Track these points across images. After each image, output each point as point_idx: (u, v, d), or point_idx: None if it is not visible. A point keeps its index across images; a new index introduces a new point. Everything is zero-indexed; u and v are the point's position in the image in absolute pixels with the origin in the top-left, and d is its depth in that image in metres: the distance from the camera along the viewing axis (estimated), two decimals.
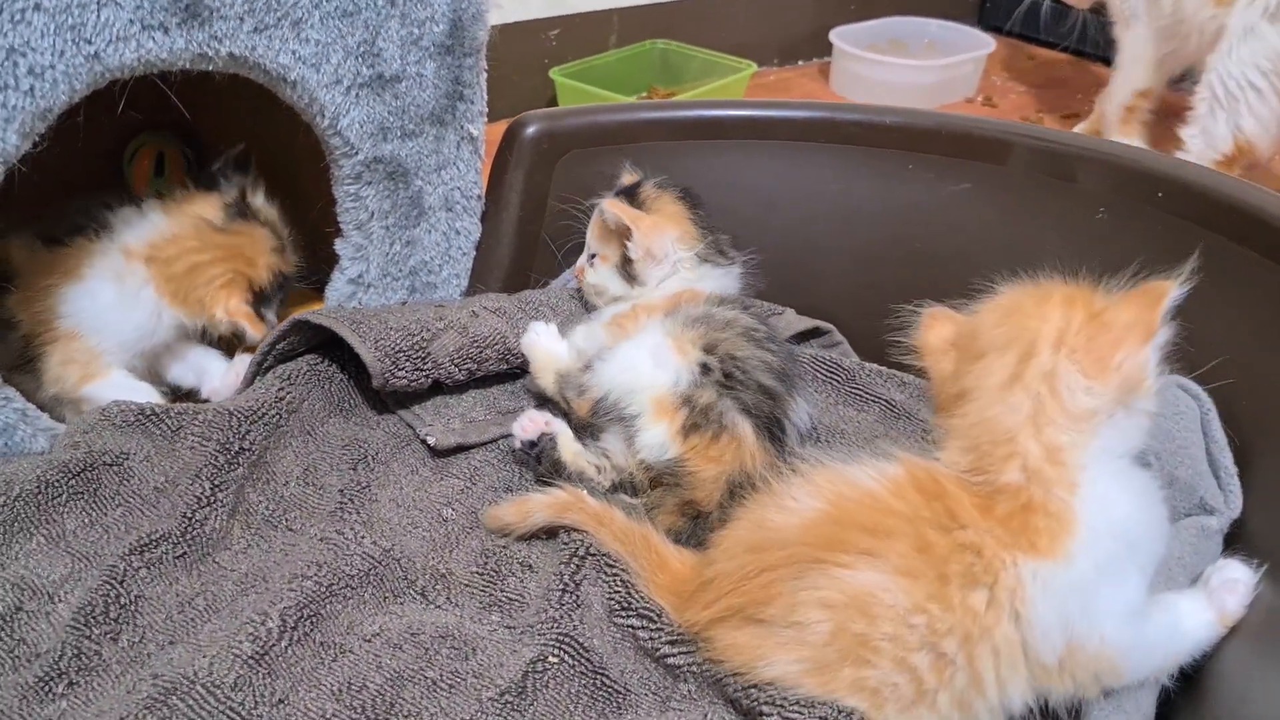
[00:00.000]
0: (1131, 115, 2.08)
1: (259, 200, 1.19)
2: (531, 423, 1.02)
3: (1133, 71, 2.05)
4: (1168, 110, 2.04)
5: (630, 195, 1.17)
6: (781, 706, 0.78)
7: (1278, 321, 0.96)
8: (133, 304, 1.12)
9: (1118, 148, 1.19)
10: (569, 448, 1.01)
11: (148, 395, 1.12)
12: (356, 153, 1.12)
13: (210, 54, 0.99)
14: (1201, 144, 1.74)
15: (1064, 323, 0.75)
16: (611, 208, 1.12)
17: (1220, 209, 1.04)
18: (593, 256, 1.18)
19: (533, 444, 1.02)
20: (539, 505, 0.96)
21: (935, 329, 0.85)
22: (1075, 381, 0.73)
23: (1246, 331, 0.99)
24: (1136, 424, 0.76)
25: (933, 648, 0.73)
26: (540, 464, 1.02)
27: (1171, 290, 0.74)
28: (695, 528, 0.98)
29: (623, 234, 1.13)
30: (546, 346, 1.11)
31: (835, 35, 2.52)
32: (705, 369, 0.99)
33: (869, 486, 0.79)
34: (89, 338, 1.11)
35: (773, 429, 1.00)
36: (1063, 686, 0.74)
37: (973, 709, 0.75)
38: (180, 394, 1.20)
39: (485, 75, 1.21)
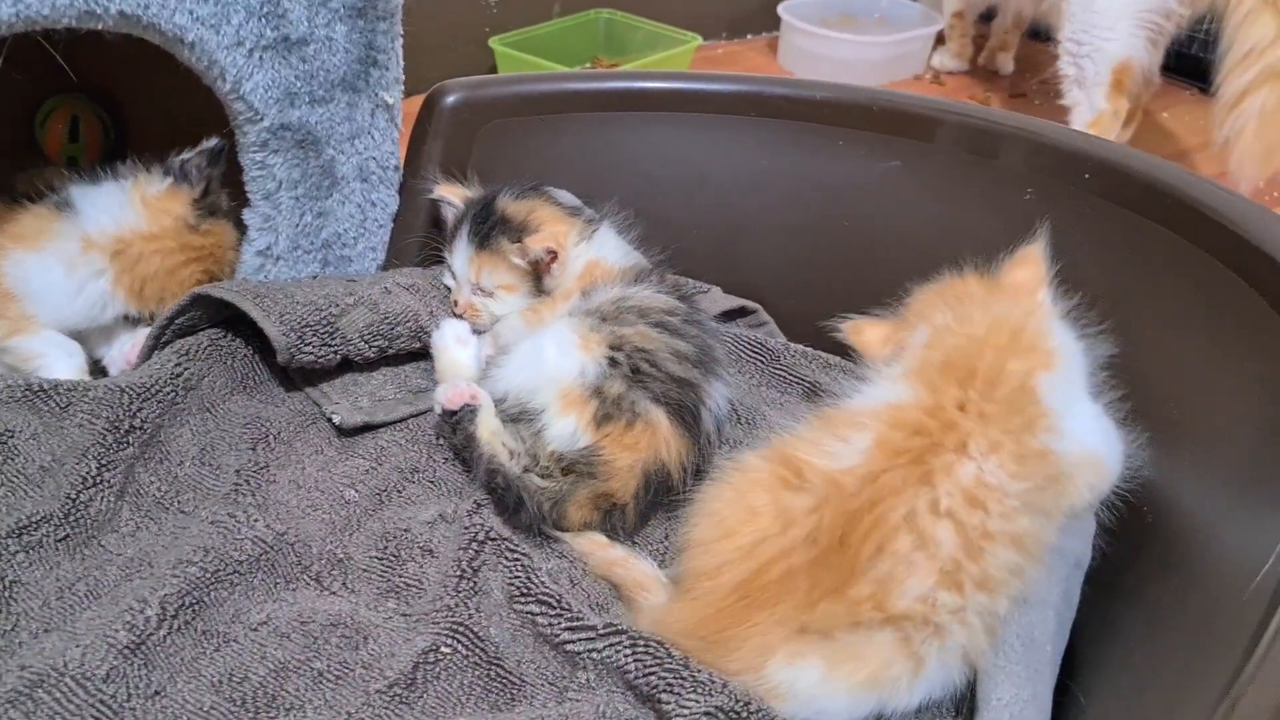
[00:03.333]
0: (952, 32, 2.47)
1: (223, 197, 1.17)
2: (457, 393, 0.98)
3: None
4: None
5: (490, 219, 1.12)
6: (679, 694, 0.76)
7: (1195, 303, 0.95)
8: (79, 292, 1.10)
9: (1046, 127, 1.16)
10: (487, 425, 0.98)
11: (75, 353, 1.11)
12: (262, 119, 1.07)
13: (98, 11, 0.93)
14: (1080, 92, 1.92)
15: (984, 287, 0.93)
16: (535, 244, 1.08)
17: (1146, 191, 1.03)
18: (482, 290, 1.14)
19: (453, 414, 0.98)
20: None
21: (864, 333, 0.97)
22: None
23: (1167, 313, 0.98)
24: None
25: (1032, 506, 0.78)
26: (455, 435, 0.99)
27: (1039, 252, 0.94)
28: (608, 522, 0.96)
29: (549, 261, 1.10)
30: (454, 355, 1.08)
31: (784, 9, 2.49)
32: (613, 362, 0.97)
33: (902, 400, 0.83)
34: (26, 303, 1.09)
35: (686, 416, 0.98)
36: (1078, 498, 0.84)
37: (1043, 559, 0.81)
38: (99, 364, 1.18)
39: (401, 40, 1.17)
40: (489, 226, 1.11)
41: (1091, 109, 1.92)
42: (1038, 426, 0.80)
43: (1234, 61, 1.69)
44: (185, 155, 1.15)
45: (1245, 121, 1.67)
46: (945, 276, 0.96)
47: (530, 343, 1.03)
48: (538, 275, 1.11)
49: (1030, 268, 0.94)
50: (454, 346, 1.08)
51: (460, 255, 1.13)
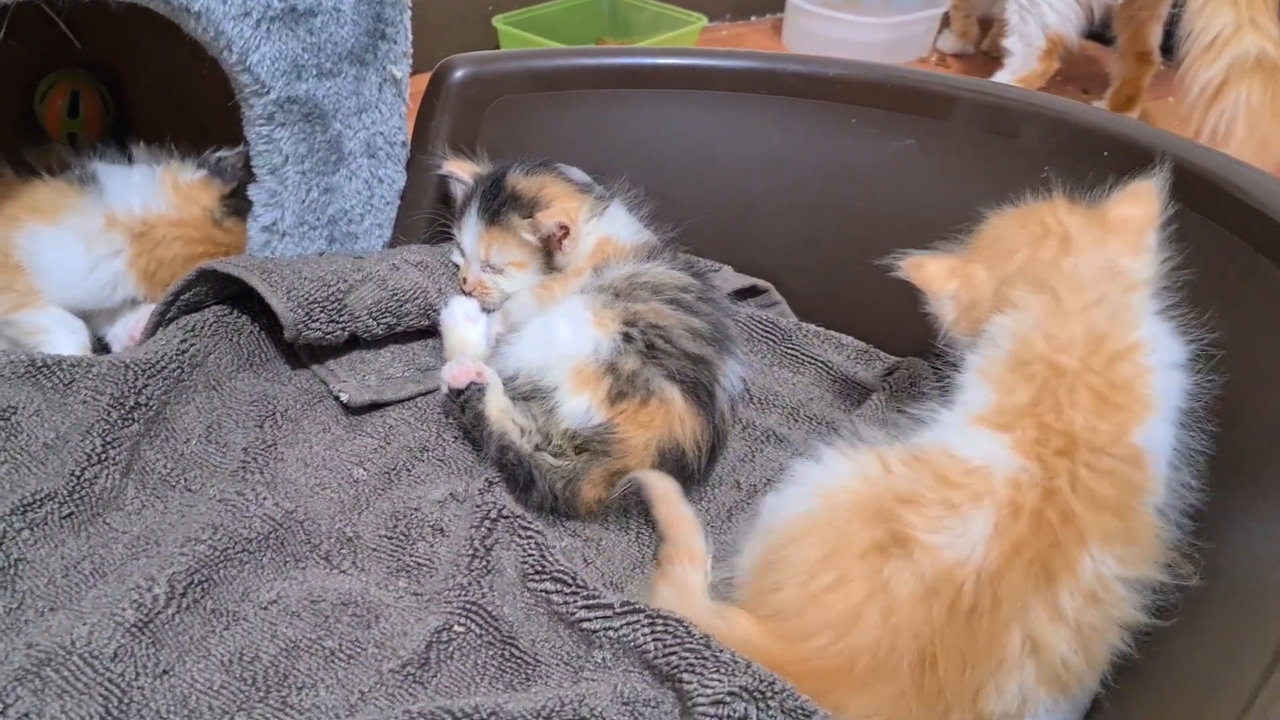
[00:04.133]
0: (956, 14, 2.50)
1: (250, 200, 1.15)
2: (463, 370, 0.97)
3: None
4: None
5: (500, 195, 1.10)
6: (701, 674, 0.74)
7: (1220, 285, 0.93)
8: (92, 270, 1.10)
9: (1063, 104, 1.15)
10: (496, 403, 0.96)
11: (79, 330, 1.11)
12: (268, 91, 1.05)
13: None
14: (1021, 45, 2.06)
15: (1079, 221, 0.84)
16: (548, 219, 1.06)
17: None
18: (491, 267, 1.12)
19: (460, 392, 0.97)
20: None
21: (926, 268, 0.88)
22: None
23: (1191, 296, 0.96)
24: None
25: (1140, 583, 0.71)
26: (464, 414, 0.97)
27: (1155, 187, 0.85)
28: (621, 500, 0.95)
29: (560, 237, 1.08)
30: (463, 333, 1.07)
31: None
32: (627, 338, 0.96)
33: (1014, 473, 0.72)
34: (35, 277, 1.08)
35: (700, 393, 0.97)
36: None
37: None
38: (102, 341, 1.17)
39: (409, 14, 1.15)
40: (499, 202, 1.09)
41: (1025, 65, 2.07)
42: (1146, 496, 0.72)
43: (1199, 51, 1.68)
44: (223, 153, 1.15)
45: (1233, 119, 1.66)
46: (1027, 201, 0.88)
47: (542, 320, 1.02)
48: (548, 252, 1.10)
49: (1143, 204, 0.83)
50: (463, 324, 1.07)
51: (469, 232, 1.11)
